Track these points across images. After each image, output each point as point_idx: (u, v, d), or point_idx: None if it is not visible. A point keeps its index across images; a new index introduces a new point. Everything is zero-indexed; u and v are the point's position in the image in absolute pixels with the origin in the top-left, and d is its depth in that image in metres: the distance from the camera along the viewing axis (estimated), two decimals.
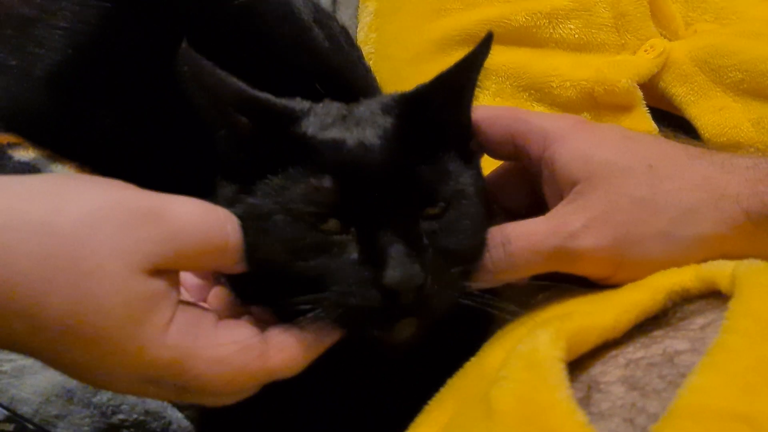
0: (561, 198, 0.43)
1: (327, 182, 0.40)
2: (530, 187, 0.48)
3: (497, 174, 0.51)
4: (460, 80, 0.44)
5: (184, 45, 0.41)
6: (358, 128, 0.42)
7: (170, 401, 0.57)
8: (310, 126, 0.42)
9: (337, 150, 0.41)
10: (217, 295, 0.44)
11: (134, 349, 0.35)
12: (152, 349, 0.36)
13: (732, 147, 0.57)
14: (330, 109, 0.45)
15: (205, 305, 0.43)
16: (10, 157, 0.58)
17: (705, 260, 0.39)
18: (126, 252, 0.35)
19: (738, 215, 0.39)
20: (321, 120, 0.43)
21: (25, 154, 0.58)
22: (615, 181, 0.41)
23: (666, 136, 0.46)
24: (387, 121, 0.43)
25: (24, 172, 0.57)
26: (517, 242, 0.42)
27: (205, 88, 0.42)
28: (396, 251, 0.38)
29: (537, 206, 0.46)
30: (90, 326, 0.34)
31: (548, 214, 0.43)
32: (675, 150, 0.43)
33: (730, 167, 0.40)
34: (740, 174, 0.40)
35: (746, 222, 0.39)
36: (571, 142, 0.43)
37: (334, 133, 0.42)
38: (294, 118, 0.43)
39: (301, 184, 0.40)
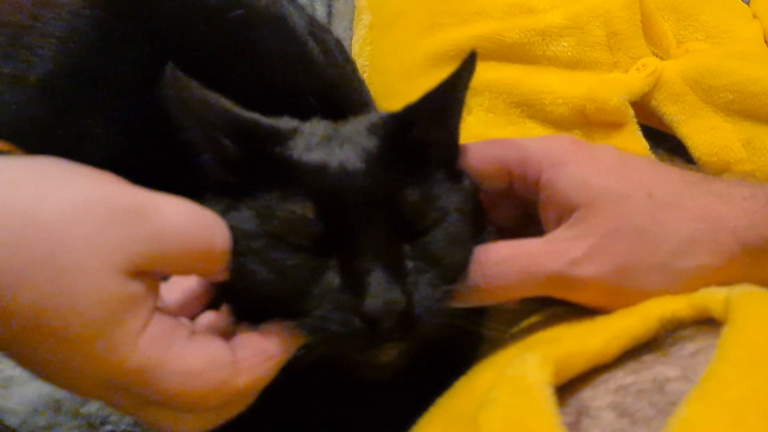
0: (558, 221, 0.43)
1: (308, 208, 0.40)
2: (523, 205, 0.48)
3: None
4: (446, 100, 0.44)
5: (169, 67, 0.41)
6: (343, 150, 0.42)
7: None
8: (296, 147, 0.42)
9: (320, 174, 0.41)
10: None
11: (104, 351, 0.34)
12: (122, 353, 0.35)
13: (723, 166, 0.58)
14: (317, 128, 0.45)
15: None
16: None
17: (698, 289, 0.39)
18: (107, 250, 0.34)
19: (735, 247, 0.39)
20: (307, 141, 0.43)
21: None
22: (615, 208, 0.41)
23: (661, 159, 0.46)
24: (372, 143, 0.43)
25: None
26: (514, 263, 0.41)
27: (191, 112, 0.42)
28: (376, 278, 0.38)
29: (529, 224, 0.47)
30: (61, 323, 0.33)
31: (546, 237, 0.43)
32: (672, 177, 0.43)
33: (728, 197, 0.41)
34: (738, 205, 0.40)
35: (742, 253, 0.39)
36: (569, 166, 0.43)
37: (317, 156, 0.42)
38: (280, 138, 0.43)
39: (284, 209, 0.40)
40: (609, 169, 0.43)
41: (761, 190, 0.41)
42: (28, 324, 0.33)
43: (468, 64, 0.44)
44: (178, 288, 0.42)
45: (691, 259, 0.40)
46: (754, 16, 0.70)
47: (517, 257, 0.42)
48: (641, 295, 0.40)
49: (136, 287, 0.35)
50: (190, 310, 0.42)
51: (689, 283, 0.40)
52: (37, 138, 0.58)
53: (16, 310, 0.33)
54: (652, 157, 0.58)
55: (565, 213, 0.42)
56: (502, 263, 0.41)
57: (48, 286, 0.33)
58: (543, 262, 0.41)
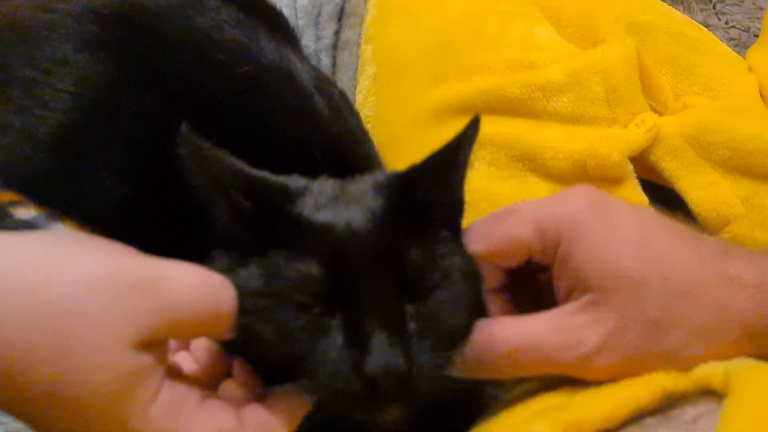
0: (569, 292, 0.43)
1: (314, 269, 0.41)
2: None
3: None
4: (450, 160, 0.45)
5: (183, 127, 0.42)
6: (349, 210, 0.43)
7: None
8: (305, 206, 0.43)
9: (326, 234, 0.42)
10: (203, 348, 0.44)
11: (116, 421, 0.35)
12: (134, 423, 0.36)
13: (723, 222, 0.59)
14: (325, 187, 0.46)
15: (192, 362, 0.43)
16: (11, 216, 0.58)
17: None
18: (117, 326, 0.35)
19: (741, 335, 0.41)
20: (315, 200, 0.44)
21: (26, 212, 0.59)
22: (630, 297, 0.41)
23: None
24: (377, 202, 0.44)
25: (25, 231, 0.57)
26: (524, 353, 0.42)
27: (205, 171, 0.43)
28: (379, 339, 0.39)
29: (534, 271, 0.46)
30: (74, 398, 0.34)
31: (557, 321, 0.42)
32: (688, 254, 0.42)
33: (740, 286, 0.41)
34: (747, 293, 0.41)
35: (747, 339, 0.40)
36: (587, 242, 0.42)
37: (325, 216, 0.43)
38: (290, 197, 0.44)
39: (290, 269, 0.41)
40: (628, 247, 0.42)
41: None
42: (44, 399, 0.34)
43: (472, 127, 0.45)
44: (200, 354, 0.43)
45: (699, 348, 0.41)
46: (750, 69, 0.72)
47: (528, 346, 0.42)
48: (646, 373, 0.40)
49: (146, 359, 0.36)
50: (213, 376, 0.43)
51: (692, 366, 0.40)
52: (46, 189, 0.59)
53: (32, 386, 0.34)
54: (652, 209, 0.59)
55: (578, 288, 0.42)
56: (514, 353, 0.42)
57: (61, 363, 0.34)
58: (554, 354, 0.41)
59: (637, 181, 0.61)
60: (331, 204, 0.44)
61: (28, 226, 0.58)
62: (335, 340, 0.40)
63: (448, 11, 0.70)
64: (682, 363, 0.41)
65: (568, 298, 0.43)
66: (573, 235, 0.43)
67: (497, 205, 0.61)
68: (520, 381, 0.45)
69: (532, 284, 0.47)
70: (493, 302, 0.46)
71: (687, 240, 0.43)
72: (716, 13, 1.15)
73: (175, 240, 0.51)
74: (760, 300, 0.41)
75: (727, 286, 0.41)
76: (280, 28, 0.71)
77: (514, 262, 0.45)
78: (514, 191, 0.63)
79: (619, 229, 0.42)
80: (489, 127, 0.64)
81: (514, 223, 0.45)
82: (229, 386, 0.42)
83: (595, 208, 0.43)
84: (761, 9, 1.14)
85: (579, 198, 0.44)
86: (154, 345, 0.37)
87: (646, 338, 0.41)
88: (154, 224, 0.56)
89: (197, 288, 0.38)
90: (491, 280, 0.46)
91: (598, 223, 0.43)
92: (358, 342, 0.40)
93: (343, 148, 0.62)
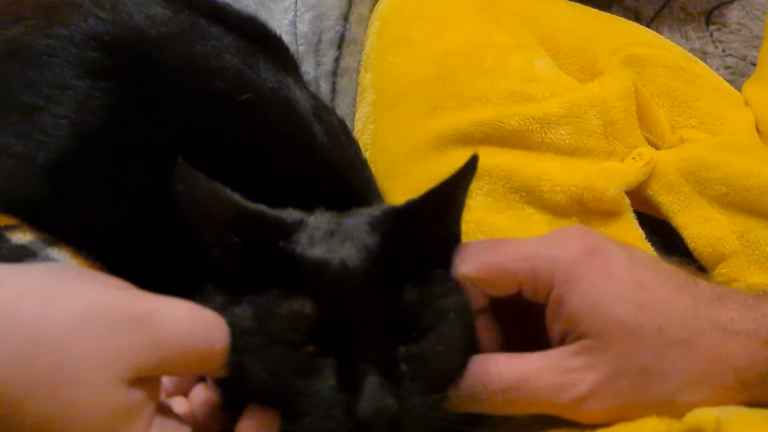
0: (563, 336, 0.43)
1: (307, 308, 0.41)
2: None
3: None
4: (447, 199, 0.45)
5: (179, 161, 0.42)
6: (344, 246, 0.43)
7: None
8: (299, 242, 0.43)
9: (321, 272, 0.42)
10: (200, 398, 0.44)
11: None
12: None
13: (718, 258, 0.59)
14: (321, 222, 0.45)
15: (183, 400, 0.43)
16: (8, 240, 0.58)
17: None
18: (109, 362, 0.35)
19: (733, 384, 0.41)
20: (310, 235, 0.44)
21: (22, 237, 0.59)
22: (625, 345, 0.41)
23: (656, 248, 0.47)
24: (373, 239, 0.43)
25: (21, 256, 0.57)
26: (518, 392, 0.42)
27: (199, 207, 0.43)
28: (371, 382, 0.39)
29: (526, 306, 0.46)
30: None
31: (551, 363, 0.42)
32: (682, 302, 0.42)
33: (733, 334, 0.41)
34: (740, 343, 0.41)
35: (739, 388, 0.41)
36: (581, 286, 0.42)
37: (319, 253, 0.43)
38: (285, 232, 0.44)
39: (283, 308, 0.41)
40: (623, 295, 0.42)
41: (763, 325, 0.42)
42: None
43: (471, 165, 0.45)
44: (198, 400, 0.43)
45: (692, 396, 0.41)
46: (746, 103, 0.72)
47: (521, 385, 0.42)
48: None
49: (138, 395, 0.36)
50: (212, 425, 0.43)
51: (686, 412, 0.40)
52: (43, 215, 0.59)
53: (23, 420, 0.34)
54: (649, 248, 0.59)
55: (572, 333, 0.42)
56: (507, 390, 0.42)
57: (53, 398, 0.34)
58: (548, 395, 0.41)
59: (634, 215, 0.61)
60: (326, 240, 0.44)
61: (23, 251, 0.58)
62: (327, 381, 0.40)
63: (448, 41, 0.71)
64: (675, 410, 0.41)
65: (562, 340, 0.43)
66: (567, 279, 0.42)
67: (493, 236, 0.62)
68: (511, 419, 0.45)
69: (515, 305, 0.47)
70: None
71: (681, 286, 0.43)
72: (713, 41, 1.16)
73: (170, 272, 0.51)
74: (752, 350, 0.41)
75: (720, 336, 0.41)
76: (280, 54, 0.71)
77: (501, 293, 0.45)
78: (511, 222, 0.63)
79: (613, 276, 0.42)
80: (487, 158, 0.64)
81: (510, 256, 0.45)
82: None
83: (590, 252, 0.43)
84: (758, 38, 1.14)
85: (574, 241, 0.44)
86: (147, 381, 0.37)
87: (639, 385, 0.41)
88: (150, 255, 0.56)
89: (190, 325, 0.38)
90: (475, 301, 0.45)
91: (593, 269, 0.42)
92: (349, 384, 0.40)
93: (342, 178, 0.62)
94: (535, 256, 0.44)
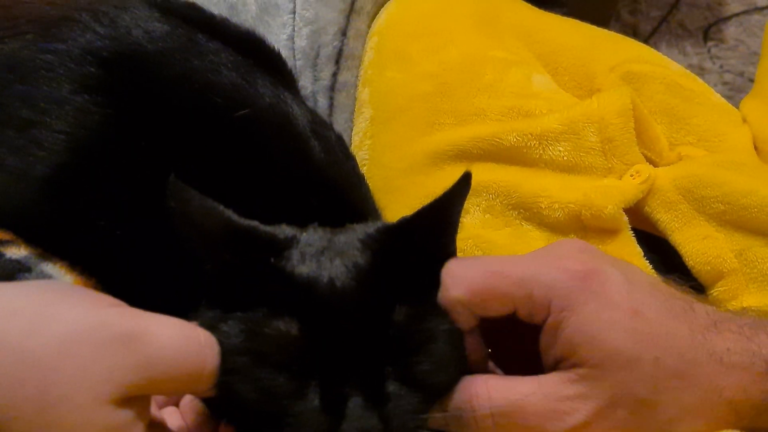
0: (557, 362, 0.42)
1: (294, 329, 0.40)
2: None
3: None
4: (441, 216, 0.45)
5: (171, 179, 0.42)
6: (334, 264, 0.42)
7: None
8: (290, 259, 0.43)
9: (309, 291, 0.41)
10: (191, 408, 0.44)
11: None
12: None
13: (717, 276, 0.58)
14: (313, 238, 0.45)
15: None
16: (2, 255, 0.58)
17: None
18: (96, 382, 0.35)
19: (729, 415, 0.41)
20: (302, 252, 0.44)
21: (17, 251, 0.58)
22: (621, 376, 0.40)
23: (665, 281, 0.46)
24: (364, 257, 0.43)
25: (15, 271, 0.57)
26: (508, 414, 0.41)
27: (192, 225, 0.43)
28: (355, 403, 0.39)
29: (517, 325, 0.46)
30: None
31: (544, 386, 0.42)
32: (679, 330, 0.42)
33: (729, 365, 0.41)
34: (737, 375, 0.41)
35: (734, 418, 0.41)
36: (579, 315, 0.41)
37: (309, 271, 0.42)
38: (277, 249, 0.44)
39: (270, 326, 0.41)
40: (620, 325, 0.41)
41: (759, 357, 0.41)
42: None
43: (464, 182, 0.44)
44: (188, 414, 0.43)
45: (686, 427, 0.40)
46: (744, 120, 0.72)
47: (512, 411, 0.41)
48: None
49: (125, 415, 0.36)
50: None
51: None
52: (38, 229, 0.59)
53: None
54: (647, 266, 0.59)
55: (568, 360, 0.42)
56: (497, 415, 0.41)
57: (40, 418, 0.34)
58: (540, 422, 0.41)
59: (632, 232, 0.61)
60: (317, 257, 0.43)
61: (17, 266, 0.57)
62: (312, 402, 0.40)
63: (446, 57, 0.71)
64: None
65: (556, 364, 0.43)
66: (564, 307, 0.42)
67: (491, 253, 0.61)
68: None
69: (506, 324, 0.46)
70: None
71: (678, 313, 0.43)
72: (711, 57, 1.17)
73: (165, 288, 0.51)
74: (747, 384, 0.41)
75: (716, 367, 0.41)
76: (278, 69, 0.71)
77: (494, 315, 0.44)
78: (509, 239, 0.62)
79: (610, 303, 0.42)
80: (485, 174, 0.64)
81: (505, 280, 0.43)
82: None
83: (587, 276, 0.42)
84: (756, 54, 1.15)
85: (571, 263, 0.43)
86: (135, 400, 0.37)
87: (634, 416, 0.40)
88: (144, 270, 0.56)
89: (180, 344, 0.38)
90: (464, 321, 0.44)
91: (590, 296, 0.42)
92: (334, 405, 0.39)
93: (338, 194, 0.62)
94: (531, 280, 0.43)
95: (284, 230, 0.46)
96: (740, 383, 0.40)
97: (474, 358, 0.45)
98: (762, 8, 1.19)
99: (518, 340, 0.45)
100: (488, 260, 0.47)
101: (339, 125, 0.76)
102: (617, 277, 0.43)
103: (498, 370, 0.46)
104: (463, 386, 0.42)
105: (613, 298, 0.42)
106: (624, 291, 0.42)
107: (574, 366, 0.41)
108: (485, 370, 0.45)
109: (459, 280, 0.43)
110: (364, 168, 0.71)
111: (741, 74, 1.15)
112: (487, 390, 0.42)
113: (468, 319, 0.44)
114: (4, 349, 0.34)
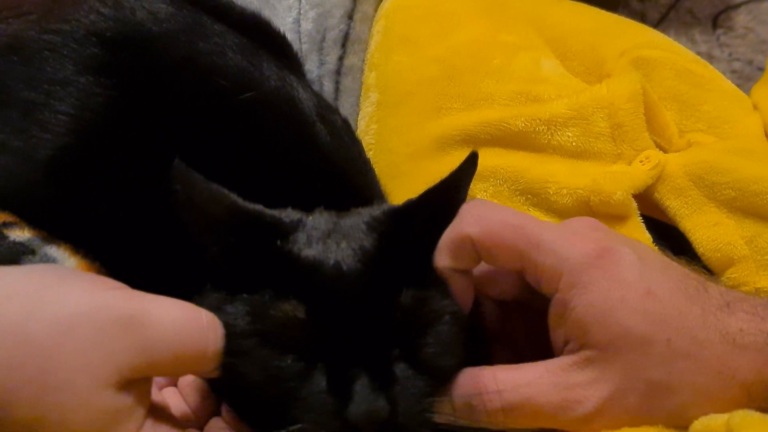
0: (566, 341, 0.42)
1: (300, 311, 0.40)
2: (521, 282, 0.45)
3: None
4: (447, 198, 0.45)
5: (176, 162, 0.42)
6: (340, 247, 0.42)
7: None
8: (296, 243, 0.43)
9: (315, 273, 0.41)
10: (193, 387, 0.44)
11: None
12: None
13: (727, 263, 0.58)
14: (319, 222, 0.45)
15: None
16: (6, 237, 0.58)
17: None
18: (95, 366, 0.35)
19: (740, 396, 0.40)
20: (308, 235, 0.43)
21: (20, 234, 0.58)
22: (633, 358, 0.40)
23: (664, 253, 0.46)
24: (370, 240, 0.43)
25: (19, 253, 0.57)
26: (518, 406, 0.41)
27: (196, 207, 0.43)
28: (362, 384, 0.39)
29: (531, 297, 0.45)
30: None
31: (553, 374, 0.41)
32: (692, 311, 0.41)
33: (742, 345, 0.40)
34: (750, 356, 0.40)
35: (747, 400, 0.40)
36: (589, 294, 0.40)
37: (315, 254, 0.42)
38: (283, 232, 0.43)
39: (276, 308, 0.41)
40: (631, 302, 0.40)
41: None
42: None
43: (470, 163, 0.44)
44: (188, 392, 0.42)
45: (700, 410, 0.40)
46: (755, 107, 0.71)
47: (522, 402, 0.40)
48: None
49: (126, 398, 0.36)
50: (201, 415, 0.42)
51: (691, 422, 0.40)
52: (42, 211, 0.58)
53: (10, 424, 0.33)
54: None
55: (576, 340, 0.41)
56: (507, 408, 0.40)
57: (40, 402, 0.34)
58: (552, 412, 0.40)
59: (641, 218, 0.60)
60: (323, 240, 0.43)
61: (21, 248, 0.57)
62: (319, 384, 0.40)
63: (454, 41, 0.70)
64: (682, 423, 0.40)
65: (564, 343, 0.42)
66: (575, 284, 0.41)
67: None
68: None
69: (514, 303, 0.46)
70: None
71: (691, 293, 0.42)
72: (720, 45, 1.15)
73: (169, 270, 0.50)
74: (760, 365, 0.40)
75: (729, 348, 0.40)
76: (283, 53, 0.70)
77: (497, 264, 0.43)
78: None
79: (623, 282, 0.41)
80: (492, 159, 0.64)
81: (521, 237, 0.42)
82: (215, 425, 0.41)
83: (600, 255, 0.41)
84: (765, 42, 1.14)
85: (585, 241, 0.42)
86: (136, 383, 0.37)
87: (647, 400, 0.40)
88: (148, 253, 0.56)
89: (182, 326, 0.38)
90: (464, 261, 0.43)
91: (602, 274, 0.41)
92: (341, 387, 0.39)
93: (344, 178, 0.61)
94: (546, 247, 0.42)
95: (290, 214, 0.46)
96: (753, 364, 0.40)
97: (460, 303, 0.44)
98: None
99: (526, 322, 0.45)
100: (510, 212, 0.45)
101: (345, 110, 0.75)
102: (630, 256, 0.42)
103: (506, 353, 0.46)
104: (470, 381, 0.42)
105: (625, 277, 0.41)
106: (636, 270, 0.41)
107: (582, 347, 0.41)
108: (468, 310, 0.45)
109: (476, 219, 0.43)
110: (370, 153, 0.71)
111: (750, 62, 1.13)
112: (496, 384, 0.41)
113: (470, 260, 0.43)
114: (4, 331, 0.34)
